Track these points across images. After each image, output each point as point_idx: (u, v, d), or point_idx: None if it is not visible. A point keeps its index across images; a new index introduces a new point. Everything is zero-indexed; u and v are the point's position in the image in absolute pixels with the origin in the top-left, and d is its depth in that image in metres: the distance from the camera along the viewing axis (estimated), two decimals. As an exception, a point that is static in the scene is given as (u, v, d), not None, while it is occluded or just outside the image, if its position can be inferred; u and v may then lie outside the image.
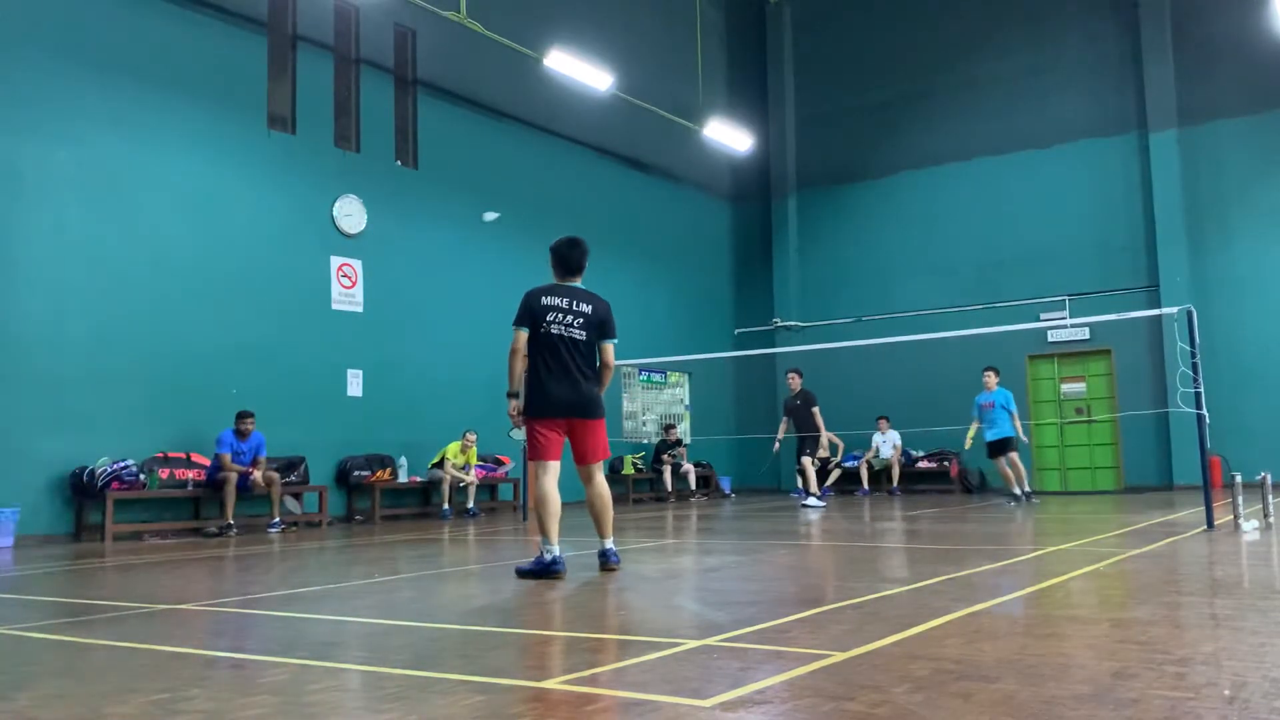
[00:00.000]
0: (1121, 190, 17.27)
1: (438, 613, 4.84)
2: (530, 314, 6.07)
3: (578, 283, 6.26)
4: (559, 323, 6.02)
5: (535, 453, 5.99)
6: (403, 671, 3.31)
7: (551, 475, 5.96)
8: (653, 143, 18.50)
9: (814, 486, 13.47)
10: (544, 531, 5.79)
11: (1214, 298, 16.10)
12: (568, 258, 6.26)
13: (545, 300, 6.09)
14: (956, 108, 18.82)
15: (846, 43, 20.21)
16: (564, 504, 6.07)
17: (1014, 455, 12.98)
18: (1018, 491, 12.87)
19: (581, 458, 6.08)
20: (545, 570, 5.70)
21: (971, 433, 13.41)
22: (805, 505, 13.05)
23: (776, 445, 14.33)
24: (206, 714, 2.82)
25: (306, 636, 4.26)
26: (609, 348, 6.14)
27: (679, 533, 9.82)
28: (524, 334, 6.05)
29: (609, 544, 6.08)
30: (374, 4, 13.54)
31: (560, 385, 5.94)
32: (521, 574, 5.81)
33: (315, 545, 9.19)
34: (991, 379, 13.19)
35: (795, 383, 13.82)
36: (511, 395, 6.00)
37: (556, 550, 5.75)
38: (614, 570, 5.98)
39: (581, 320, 6.05)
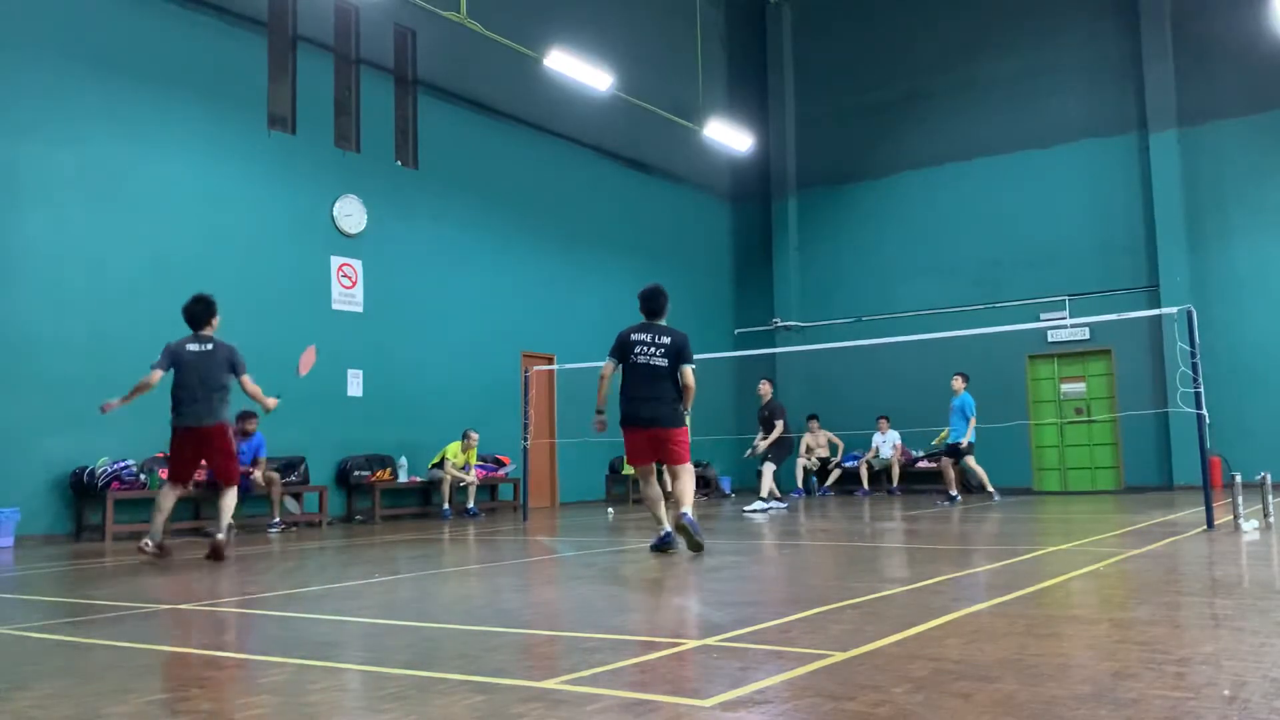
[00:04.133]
0: (1121, 190, 17.27)
1: (438, 613, 4.84)
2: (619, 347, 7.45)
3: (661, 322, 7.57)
4: (645, 353, 7.31)
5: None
6: (403, 671, 3.31)
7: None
8: (653, 143, 18.49)
9: (767, 491, 13.03)
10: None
11: (1214, 298, 16.10)
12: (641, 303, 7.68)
13: (632, 337, 7.40)
14: (956, 108, 18.82)
15: (846, 43, 20.21)
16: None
17: (963, 459, 13.87)
18: (953, 492, 13.73)
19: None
20: (663, 543, 7.25)
21: (941, 436, 14.37)
22: (752, 511, 12.39)
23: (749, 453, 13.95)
24: (206, 714, 2.82)
25: (306, 636, 4.26)
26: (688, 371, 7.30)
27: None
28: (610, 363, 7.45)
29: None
30: (374, 4, 13.54)
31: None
32: (654, 548, 7.24)
33: (315, 545, 9.19)
34: (956, 383, 13.90)
35: (766, 390, 13.58)
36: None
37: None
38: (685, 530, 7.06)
39: (662, 351, 7.29)
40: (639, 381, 7.20)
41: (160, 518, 7.67)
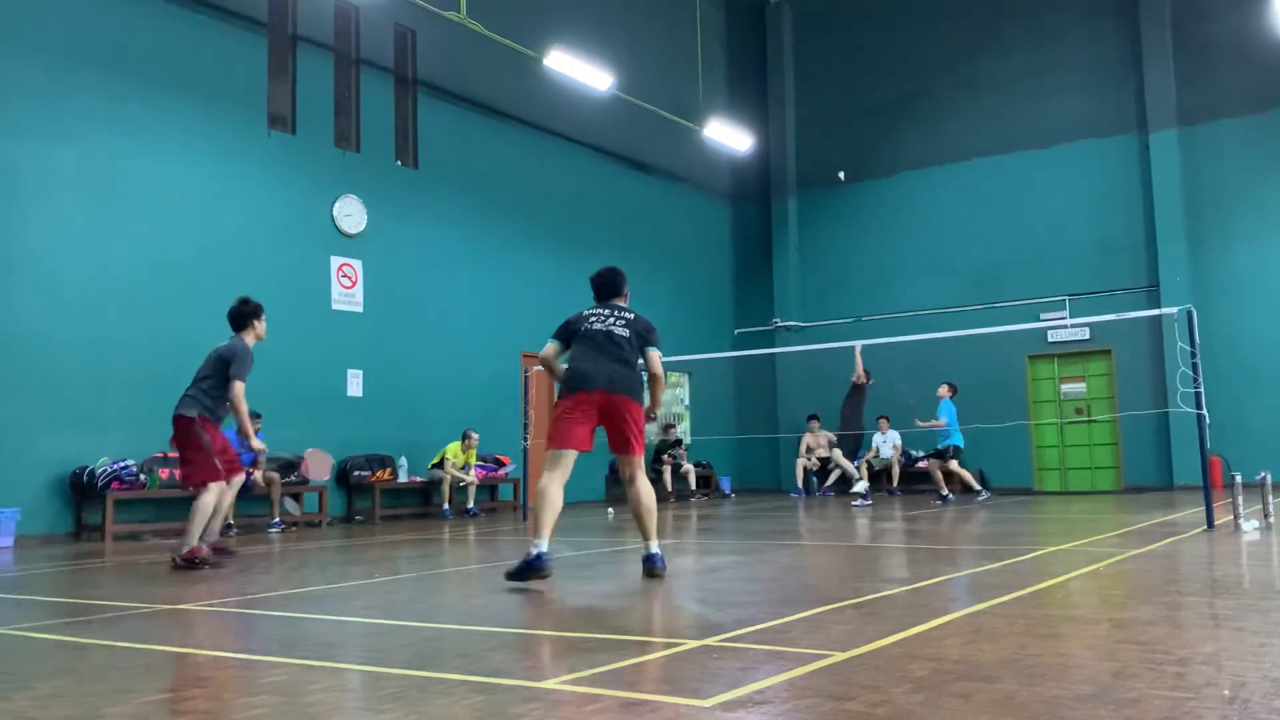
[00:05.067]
0: (1121, 190, 17.27)
1: (438, 613, 4.84)
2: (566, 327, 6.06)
3: (620, 303, 6.20)
4: (600, 321, 5.93)
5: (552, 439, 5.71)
6: (403, 671, 3.31)
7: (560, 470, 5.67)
8: (653, 143, 18.49)
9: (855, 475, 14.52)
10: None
11: (1214, 298, 16.09)
12: (593, 284, 6.29)
13: (585, 313, 6.08)
14: (956, 108, 18.81)
15: (846, 43, 20.21)
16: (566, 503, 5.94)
17: (950, 463, 13.91)
18: (945, 492, 13.81)
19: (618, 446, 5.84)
20: (528, 567, 5.22)
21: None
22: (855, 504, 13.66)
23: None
24: (206, 714, 2.82)
25: (306, 636, 4.26)
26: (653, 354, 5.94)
27: (679, 533, 9.81)
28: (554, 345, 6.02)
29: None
30: (374, 4, 13.54)
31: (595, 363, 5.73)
32: (510, 577, 5.32)
33: (315, 545, 9.19)
34: (941, 390, 14.04)
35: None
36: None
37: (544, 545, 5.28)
38: (658, 576, 5.65)
39: (623, 323, 5.93)
40: (595, 346, 5.79)
41: (214, 520, 7.23)
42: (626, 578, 6.07)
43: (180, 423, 7.21)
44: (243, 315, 7.58)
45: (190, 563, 6.81)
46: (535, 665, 3.56)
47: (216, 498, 7.16)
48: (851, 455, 14.77)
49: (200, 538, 7.10)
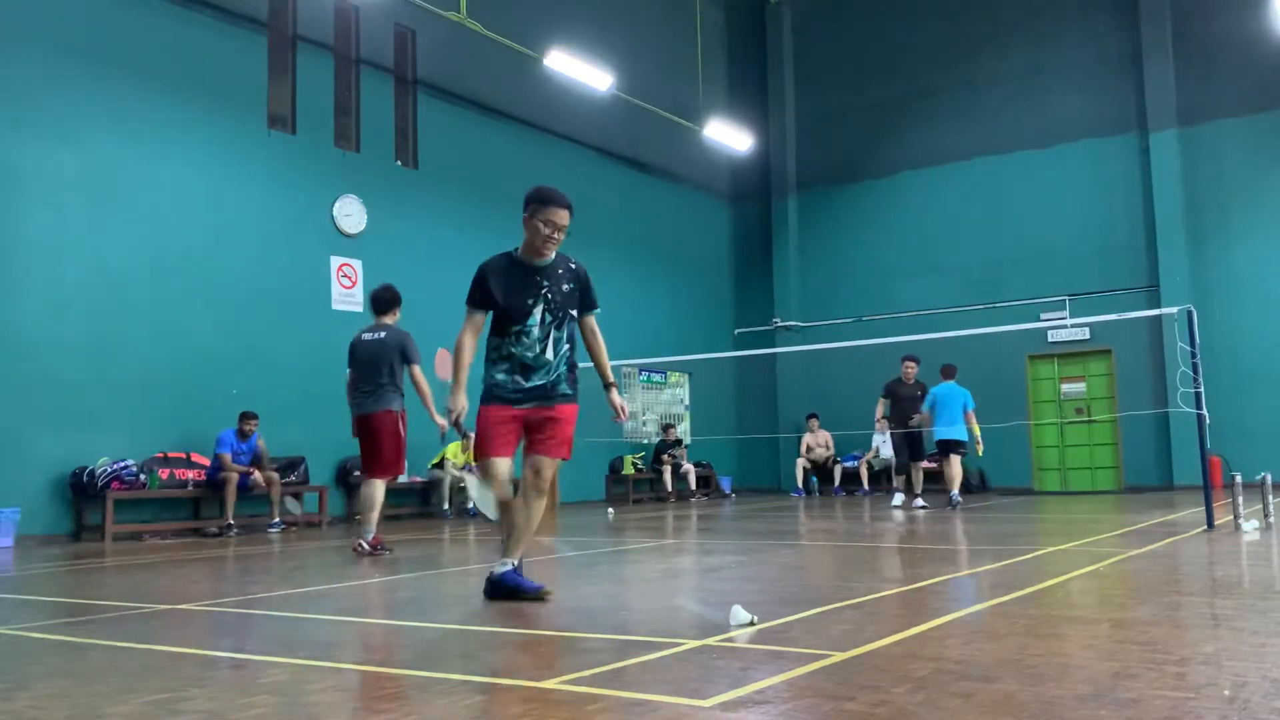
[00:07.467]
0: (1121, 190, 17.27)
1: (438, 613, 4.84)
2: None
3: None
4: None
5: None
6: (403, 671, 3.31)
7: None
8: (653, 143, 18.49)
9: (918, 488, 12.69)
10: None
11: (1214, 298, 16.10)
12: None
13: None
14: (956, 108, 18.82)
15: (846, 43, 20.21)
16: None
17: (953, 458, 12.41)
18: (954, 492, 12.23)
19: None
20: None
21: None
22: (897, 507, 12.39)
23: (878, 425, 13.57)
24: (206, 714, 2.82)
25: (306, 636, 4.26)
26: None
27: (679, 533, 9.82)
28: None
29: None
30: (374, 4, 13.54)
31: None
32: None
33: (315, 545, 9.19)
34: (910, 369, 12.58)
35: (913, 371, 12.82)
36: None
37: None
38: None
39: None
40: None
41: (371, 514, 7.59)
42: (627, 578, 6.08)
43: (385, 418, 7.69)
44: (388, 302, 8.22)
45: (375, 549, 7.39)
46: (535, 665, 3.56)
47: (383, 490, 7.66)
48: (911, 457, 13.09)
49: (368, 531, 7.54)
